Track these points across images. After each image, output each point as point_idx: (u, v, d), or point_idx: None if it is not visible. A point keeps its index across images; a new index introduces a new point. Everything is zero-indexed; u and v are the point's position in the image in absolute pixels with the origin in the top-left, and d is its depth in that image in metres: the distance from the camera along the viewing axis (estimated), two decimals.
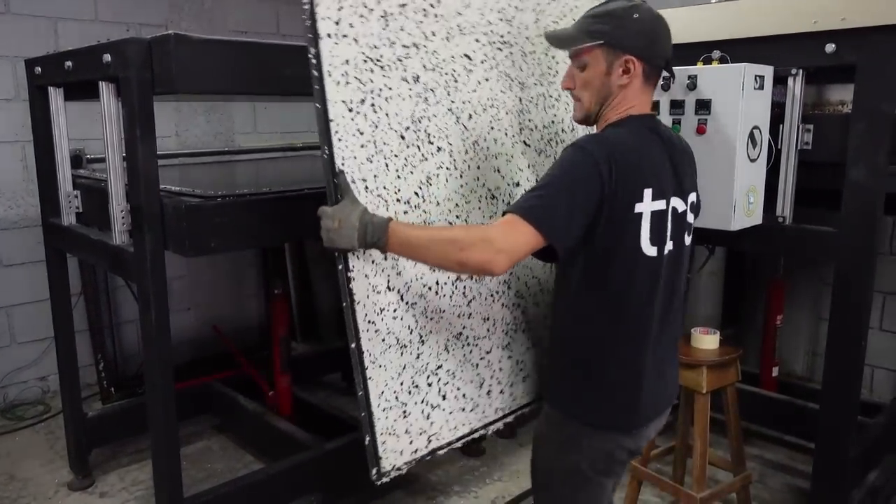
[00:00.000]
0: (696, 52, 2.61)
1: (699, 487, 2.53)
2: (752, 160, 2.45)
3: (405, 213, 1.81)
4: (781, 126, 2.54)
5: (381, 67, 1.77)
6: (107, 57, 2.19)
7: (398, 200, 1.79)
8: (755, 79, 2.38)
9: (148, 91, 2.13)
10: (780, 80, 2.51)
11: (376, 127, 1.75)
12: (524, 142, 2.13)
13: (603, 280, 1.63)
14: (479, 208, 1.99)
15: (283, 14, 4.77)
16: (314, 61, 1.64)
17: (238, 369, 3.90)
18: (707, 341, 2.63)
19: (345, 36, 1.70)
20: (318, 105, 1.66)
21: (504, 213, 1.56)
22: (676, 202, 1.69)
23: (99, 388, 3.95)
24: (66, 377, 3.10)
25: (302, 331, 4.80)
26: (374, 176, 1.75)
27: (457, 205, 1.93)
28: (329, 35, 1.67)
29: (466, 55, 1.97)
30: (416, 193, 1.83)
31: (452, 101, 1.93)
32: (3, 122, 3.76)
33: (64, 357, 3.09)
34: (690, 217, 1.77)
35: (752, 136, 2.42)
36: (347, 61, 1.70)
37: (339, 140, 1.68)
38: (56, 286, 3.04)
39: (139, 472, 3.28)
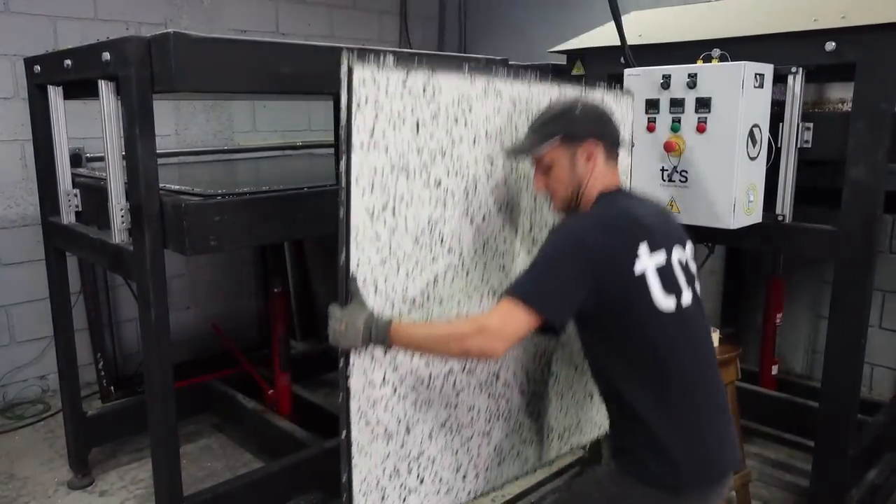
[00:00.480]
0: (696, 50, 2.61)
1: None
2: (752, 158, 2.46)
3: (409, 312, 1.85)
4: (781, 124, 2.54)
5: (407, 174, 1.80)
6: (106, 55, 2.19)
7: (404, 301, 1.84)
8: (755, 77, 2.38)
9: (147, 89, 2.12)
10: (779, 79, 2.51)
11: (394, 231, 1.79)
12: (533, 239, 2.18)
13: (630, 344, 1.65)
14: (480, 305, 2.06)
15: (282, 12, 4.76)
16: (344, 171, 1.67)
17: (238, 368, 3.90)
18: None
19: (376, 146, 1.72)
20: (342, 212, 1.69)
21: (500, 296, 1.62)
22: (678, 252, 1.72)
23: (98, 386, 3.95)
24: (66, 376, 3.10)
25: (301, 329, 4.79)
26: (385, 278, 1.79)
27: (459, 302, 1.99)
28: (362, 146, 1.69)
29: (490, 157, 2.00)
30: (422, 293, 1.88)
31: (470, 203, 1.97)
32: (2, 121, 3.76)
33: (63, 356, 3.09)
34: (693, 267, 1.78)
35: (751, 134, 2.42)
36: (376, 170, 1.73)
37: (358, 246, 1.72)
38: (55, 285, 3.04)
39: (139, 471, 3.28)
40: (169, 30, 2.04)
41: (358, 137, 1.67)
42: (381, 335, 1.64)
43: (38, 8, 3.77)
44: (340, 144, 1.67)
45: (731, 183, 2.40)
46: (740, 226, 2.48)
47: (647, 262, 1.62)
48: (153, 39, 2.09)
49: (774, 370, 3.67)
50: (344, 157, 1.67)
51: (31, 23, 3.77)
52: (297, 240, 4.60)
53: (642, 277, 1.61)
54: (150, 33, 2.11)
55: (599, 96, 2.25)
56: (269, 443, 3.31)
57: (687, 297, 1.68)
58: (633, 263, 1.61)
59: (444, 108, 1.84)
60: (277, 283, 3.51)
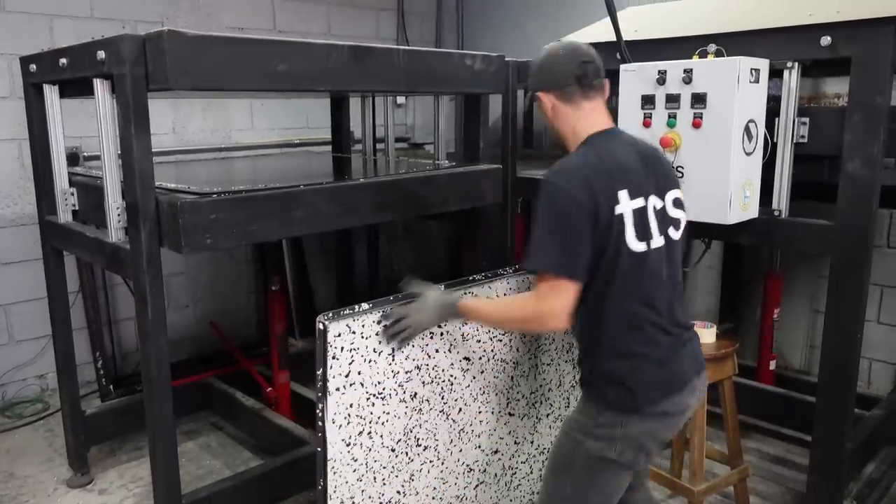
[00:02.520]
0: (692, 45, 2.60)
1: (697, 481, 2.54)
2: (748, 154, 2.46)
3: None
4: (777, 119, 2.54)
5: (382, 399, 1.90)
6: (101, 54, 2.18)
7: (381, 503, 1.98)
8: (751, 72, 2.38)
9: (142, 88, 2.12)
10: (775, 74, 2.51)
11: (370, 450, 1.90)
12: (509, 413, 2.27)
13: (604, 280, 1.75)
14: (456, 484, 2.15)
15: (279, 10, 4.76)
16: (320, 414, 1.80)
17: (237, 366, 3.90)
18: (704, 335, 2.63)
19: (352, 384, 1.82)
20: (319, 449, 1.83)
21: (535, 271, 1.73)
22: (654, 200, 1.81)
23: (98, 385, 3.95)
24: (64, 375, 3.11)
25: (300, 328, 4.80)
26: (362, 490, 1.91)
27: (434, 488, 2.09)
28: (338, 389, 1.80)
29: (466, 358, 2.10)
30: (398, 492, 2.02)
31: (445, 402, 2.07)
32: (0, 121, 3.76)
33: (62, 355, 3.09)
34: (676, 213, 1.88)
35: (747, 129, 2.42)
36: (352, 405, 1.84)
37: (335, 473, 1.83)
38: (53, 284, 3.04)
39: (138, 469, 3.29)
40: (163, 28, 2.04)
41: (333, 383, 1.79)
42: (452, 311, 1.88)
43: (34, 7, 3.77)
44: (317, 389, 1.79)
45: (727, 178, 2.40)
46: (737, 221, 2.48)
47: (625, 206, 1.73)
48: (148, 38, 2.08)
49: (772, 365, 3.68)
50: (320, 404, 1.79)
51: (27, 22, 3.77)
52: (295, 237, 4.61)
53: (620, 217, 1.73)
54: (147, 32, 2.10)
55: None
56: (268, 440, 3.31)
57: (657, 242, 1.80)
58: (614, 208, 1.72)
59: None
60: (275, 280, 3.51)
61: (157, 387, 2.32)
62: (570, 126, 1.86)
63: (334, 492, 1.86)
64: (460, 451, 2.14)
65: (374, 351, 1.87)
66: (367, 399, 1.87)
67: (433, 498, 2.10)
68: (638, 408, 1.77)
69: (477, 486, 2.23)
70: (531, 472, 2.40)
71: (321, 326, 1.76)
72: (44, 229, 2.98)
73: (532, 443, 2.36)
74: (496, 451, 2.25)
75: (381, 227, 4.82)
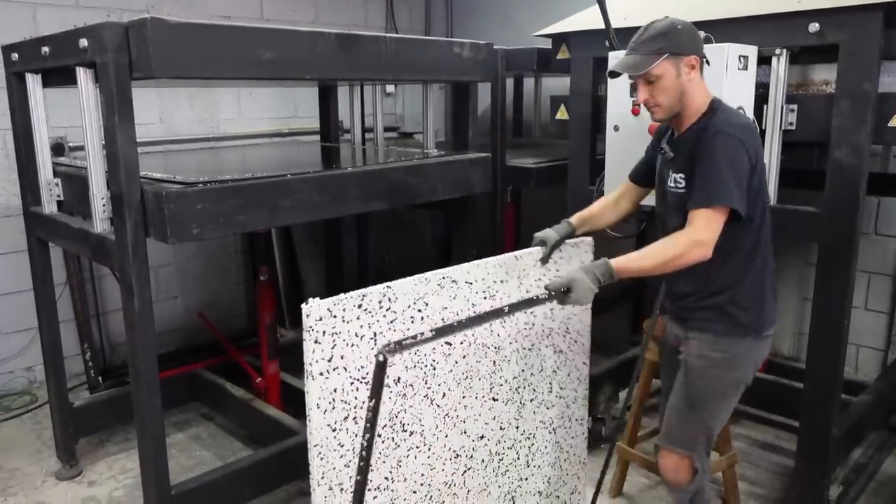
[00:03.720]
0: None
1: None
2: None
3: (374, 498, 1.99)
4: (765, 106, 2.54)
5: (366, 383, 1.89)
6: (83, 42, 2.15)
7: (369, 490, 1.96)
8: (739, 59, 2.38)
9: (125, 76, 2.10)
10: (764, 61, 2.50)
11: (356, 436, 1.90)
12: (493, 398, 2.27)
13: (759, 222, 2.06)
14: (443, 470, 2.16)
15: None
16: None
17: (226, 356, 3.89)
18: None
19: (335, 368, 1.83)
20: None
21: (696, 206, 1.96)
22: None
23: (86, 377, 3.93)
24: (51, 367, 3.09)
25: (290, 317, 4.79)
26: (350, 477, 1.89)
27: (422, 475, 2.10)
28: (321, 373, 1.80)
29: (447, 342, 2.09)
30: (385, 478, 2.01)
31: (429, 387, 2.07)
32: None
33: (48, 347, 3.07)
34: None
35: None
36: (335, 390, 1.84)
37: (321, 458, 1.85)
38: (39, 275, 3.02)
39: (127, 461, 3.28)
40: (146, 15, 2.01)
41: (317, 367, 1.79)
42: (607, 278, 1.98)
43: None
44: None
45: None
46: None
47: (764, 161, 2.04)
48: (130, 25, 2.06)
49: None
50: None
51: (9, 10, 3.71)
52: (285, 227, 4.59)
53: (764, 167, 2.05)
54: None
55: (552, 265, 2.33)
56: (258, 431, 3.31)
57: None
58: (762, 160, 2.03)
59: (400, 312, 1.95)
60: (263, 270, 3.49)
61: (144, 378, 2.31)
62: (700, 90, 2.06)
63: (322, 478, 1.86)
64: (446, 436, 2.14)
65: (356, 335, 1.87)
66: (351, 384, 1.87)
67: (421, 484, 2.10)
68: (760, 330, 2.13)
69: (465, 472, 2.23)
70: (518, 458, 2.40)
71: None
72: (28, 220, 2.95)
73: (517, 428, 2.36)
74: (482, 437, 2.26)
75: (371, 216, 4.81)
